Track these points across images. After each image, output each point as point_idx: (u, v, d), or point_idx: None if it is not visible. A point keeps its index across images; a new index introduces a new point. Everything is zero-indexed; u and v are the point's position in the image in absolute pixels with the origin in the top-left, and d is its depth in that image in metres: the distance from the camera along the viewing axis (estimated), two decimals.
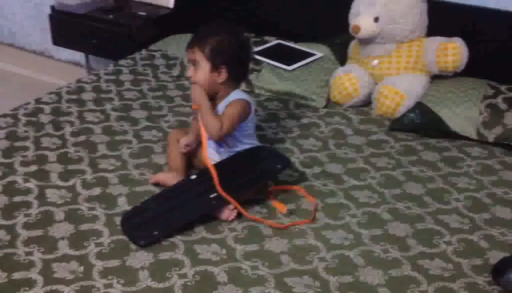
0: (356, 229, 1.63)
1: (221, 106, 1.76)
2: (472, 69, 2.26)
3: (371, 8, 2.28)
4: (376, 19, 2.27)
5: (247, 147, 1.79)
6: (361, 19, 2.29)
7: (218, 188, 1.62)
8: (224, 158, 1.78)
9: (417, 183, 1.84)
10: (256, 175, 1.72)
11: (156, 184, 1.80)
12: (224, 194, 1.62)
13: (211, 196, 1.64)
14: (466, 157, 1.99)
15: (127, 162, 1.93)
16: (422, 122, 2.12)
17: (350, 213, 1.70)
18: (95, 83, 2.49)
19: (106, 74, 2.58)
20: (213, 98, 1.77)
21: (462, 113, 2.08)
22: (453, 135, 2.09)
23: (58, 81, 3.49)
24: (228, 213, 1.65)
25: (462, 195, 1.79)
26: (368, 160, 1.97)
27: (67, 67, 3.64)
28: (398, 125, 2.16)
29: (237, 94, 1.77)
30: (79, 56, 3.50)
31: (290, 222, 1.65)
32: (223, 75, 1.73)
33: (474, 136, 2.06)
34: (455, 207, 1.73)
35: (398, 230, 1.63)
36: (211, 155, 1.78)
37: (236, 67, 1.75)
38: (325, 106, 2.33)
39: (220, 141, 1.78)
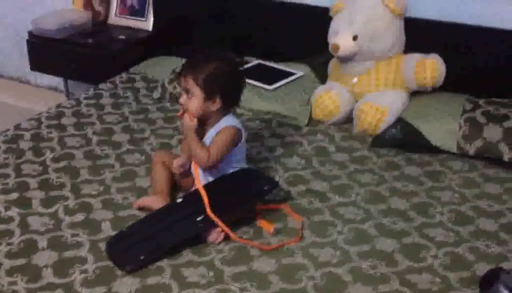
0: (343, 245, 1.63)
1: (211, 132, 1.75)
2: (450, 84, 2.30)
3: (349, 27, 2.31)
4: (355, 38, 2.30)
5: (235, 170, 1.79)
6: (340, 38, 2.31)
7: (208, 211, 1.61)
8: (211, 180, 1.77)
9: (401, 198, 1.85)
10: (244, 196, 1.72)
11: (141, 208, 1.78)
12: (214, 217, 1.60)
13: (198, 219, 1.63)
14: (448, 171, 2.01)
15: (110, 186, 1.91)
16: (403, 138, 2.14)
17: (337, 230, 1.70)
18: (75, 108, 2.47)
19: (86, 98, 2.57)
20: (204, 124, 1.76)
21: (442, 127, 2.11)
22: (434, 150, 2.11)
23: (37, 107, 3.45)
24: (215, 235, 1.64)
25: (446, 208, 1.80)
26: (352, 176, 1.98)
27: (45, 93, 3.61)
28: (380, 141, 2.17)
29: (228, 120, 1.77)
30: (57, 81, 3.48)
31: (279, 241, 1.64)
32: (216, 104, 1.72)
33: (455, 150, 2.08)
34: (440, 221, 1.74)
35: (385, 245, 1.63)
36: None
37: (229, 95, 1.75)
38: (307, 124, 2.34)
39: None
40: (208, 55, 1.76)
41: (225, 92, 1.72)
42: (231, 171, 1.79)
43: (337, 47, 2.31)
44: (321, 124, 2.35)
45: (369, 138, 2.23)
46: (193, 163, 1.73)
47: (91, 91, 2.64)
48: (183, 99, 1.73)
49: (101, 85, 2.70)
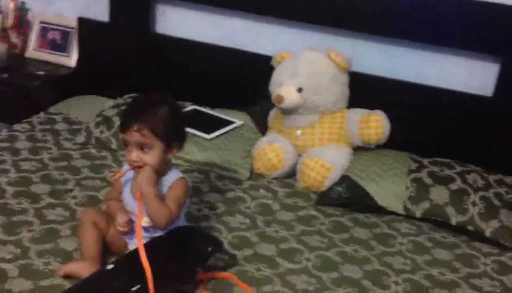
0: None
1: (163, 186, 1.57)
2: (393, 142, 2.27)
3: (294, 79, 2.23)
4: (300, 90, 2.22)
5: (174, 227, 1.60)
6: (285, 89, 2.22)
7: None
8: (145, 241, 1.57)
9: (353, 265, 1.75)
10: (186, 261, 1.53)
11: (66, 276, 1.53)
12: None
13: (134, 289, 1.42)
14: (397, 234, 1.94)
15: (28, 248, 1.64)
16: (349, 197, 2.05)
17: None
18: None
19: None
20: None
21: (389, 187, 2.05)
22: (380, 210, 2.04)
23: None
24: None
25: (400, 278, 1.71)
26: (300, 239, 1.85)
27: None
28: (326, 199, 2.07)
29: (176, 173, 1.61)
30: None
31: None
32: (173, 153, 1.58)
33: (401, 211, 2.03)
34: (396, 292, 1.65)
35: None
36: (132, 242, 1.58)
37: (183, 140, 1.61)
38: (248, 178, 2.20)
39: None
40: (152, 101, 1.59)
41: (181, 138, 1.60)
42: (173, 227, 1.60)
43: (281, 99, 2.21)
44: (263, 178, 2.22)
45: (314, 195, 2.13)
46: (137, 230, 1.51)
47: (4, 133, 2.35)
48: (135, 155, 1.52)
49: (16, 126, 2.42)
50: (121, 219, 1.58)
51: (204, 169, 2.21)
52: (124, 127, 1.53)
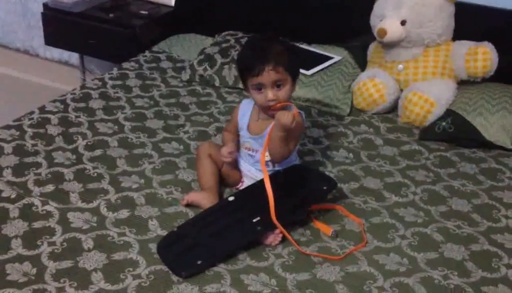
0: (409, 252, 1.54)
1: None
2: (500, 75, 2.19)
3: (397, 11, 2.18)
4: (403, 22, 2.17)
5: (290, 163, 1.69)
6: (388, 22, 2.18)
7: (274, 220, 1.50)
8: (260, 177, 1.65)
9: (462, 199, 1.76)
10: (304, 198, 1.61)
11: (188, 205, 1.66)
12: (282, 229, 1.51)
13: (255, 220, 1.52)
14: (505, 169, 1.92)
15: (151, 179, 1.79)
16: (454, 131, 2.03)
17: (399, 233, 1.60)
18: (101, 89, 2.32)
19: (111, 79, 2.42)
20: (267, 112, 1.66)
21: (497, 121, 2.01)
22: (487, 145, 2.01)
23: (48, 82, 3.30)
24: (272, 237, 1.53)
25: (511, 211, 1.71)
26: (406, 173, 1.88)
27: (56, 66, 3.44)
28: (430, 134, 2.07)
29: (294, 107, 1.66)
30: (68, 55, 3.31)
31: (338, 244, 1.55)
32: (295, 87, 1.67)
33: (509, 146, 1.99)
34: (506, 226, 1.65)
35: (454, 252, 1.54)
36: (248, 176, 1.67)
37: (299, 73, 1.70)
38: (349, 114, 2.22)
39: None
40: (269, 39, 1.64)
41: (299, 71, 1.68)
42: (286, 164, 1.69)
43: (384, 32, 2.18)
44: (363, 113, 2.24)
45: (416, 130, 2.13)
46: (262, 164, 1.59)
47: (115, 71, 2.49)
48: (271, 94, 1.58)
49: (125, 64, 2.55)
50: (225, 150, 1.67)
51: (304, 105, 2.25)
52: (258, 71, 1.56)
